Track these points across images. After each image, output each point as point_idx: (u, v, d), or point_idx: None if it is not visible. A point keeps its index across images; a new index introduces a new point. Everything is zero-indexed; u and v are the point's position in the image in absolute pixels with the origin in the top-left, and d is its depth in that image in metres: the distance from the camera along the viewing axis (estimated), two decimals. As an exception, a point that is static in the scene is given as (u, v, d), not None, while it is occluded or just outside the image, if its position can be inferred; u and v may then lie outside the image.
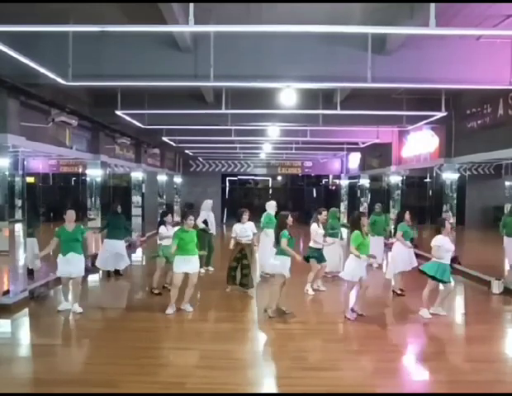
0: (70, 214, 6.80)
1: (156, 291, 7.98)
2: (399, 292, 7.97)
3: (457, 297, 7.40)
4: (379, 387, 4.56)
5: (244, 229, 8.17)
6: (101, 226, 10.37)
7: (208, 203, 9.94)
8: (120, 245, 9.22)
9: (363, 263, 6.64)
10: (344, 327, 6.53)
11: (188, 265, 6.71)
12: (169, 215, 8.35)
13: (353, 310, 6.72)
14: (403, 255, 7.77)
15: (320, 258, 8.03)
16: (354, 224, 6.78)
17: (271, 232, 9.65)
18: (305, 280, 8.05)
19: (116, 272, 9.46)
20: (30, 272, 8.31)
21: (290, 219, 6.76)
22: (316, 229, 8.01)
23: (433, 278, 6.62)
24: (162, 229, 8.02)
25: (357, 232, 6.63)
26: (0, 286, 7.12)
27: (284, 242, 6.54)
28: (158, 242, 8.11)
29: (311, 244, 8.09)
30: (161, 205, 18.06)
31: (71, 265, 6.69)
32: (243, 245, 8.19)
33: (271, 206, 9.78)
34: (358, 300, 6.82)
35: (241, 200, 23.43)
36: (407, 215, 8.08)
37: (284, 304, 6.85)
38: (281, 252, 6.63)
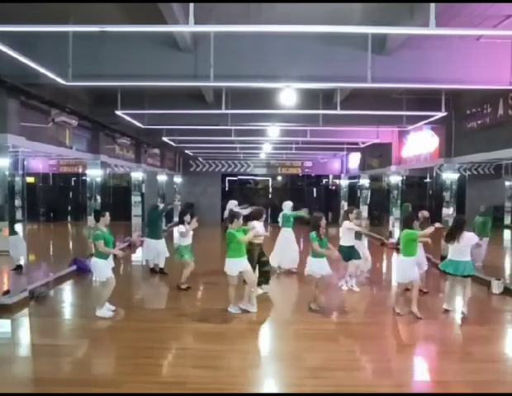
0: (107, 218, 6.80)
1: (184, 286, 8.21)
2: (425, 290, 8.01)
3: (457, 297, 7.40)
4: (378, 387, 4.56)
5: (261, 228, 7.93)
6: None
7: (232, 203, 9.63)
8: (163, 244, 9.55)
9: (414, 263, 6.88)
10: (351, 327, 6.56)
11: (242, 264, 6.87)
12: (188, 214, 8.41)
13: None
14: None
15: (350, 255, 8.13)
16: (408, 224, 6.99)
17: (288, 230, 9.69)
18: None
19: (161, 271, 9.61)
20: (19, 268, 8.28)
21: (323, 222, 7.00)
22: (348, 225, 8.12)
23: (456, 275, 6.81)
24: (182, 228, 8.20)
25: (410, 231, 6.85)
26: (0, 286, 7.12)
27: (315, 245, 6.76)
28: (175, 241, 8.43)
29: (342, 242, 8.21)
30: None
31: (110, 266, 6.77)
32: (260, 244, 7.92)
33: (287, 206, 9.78)
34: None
35: (241, 200, 23.30)
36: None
37: (319, 303, 7.01)
38: (315, 254, 6.87)
